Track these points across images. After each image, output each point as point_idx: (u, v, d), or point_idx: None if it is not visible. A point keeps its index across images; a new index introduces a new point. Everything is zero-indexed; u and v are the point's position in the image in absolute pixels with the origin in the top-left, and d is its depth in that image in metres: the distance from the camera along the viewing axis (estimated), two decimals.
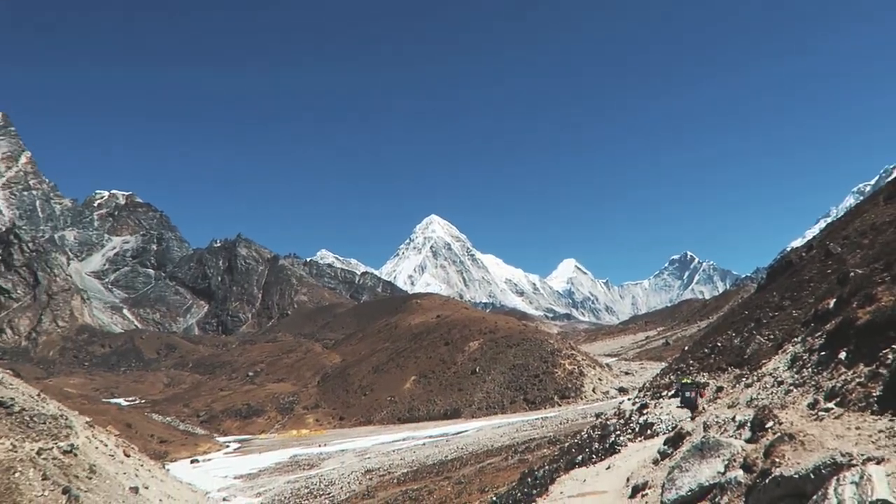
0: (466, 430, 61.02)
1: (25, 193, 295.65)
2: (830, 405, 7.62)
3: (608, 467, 15.49)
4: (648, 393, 27.97)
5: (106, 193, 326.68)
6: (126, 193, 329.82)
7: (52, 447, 32.07)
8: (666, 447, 12.27)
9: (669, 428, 17.02)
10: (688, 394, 18.43)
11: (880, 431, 6.53)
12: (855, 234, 26.60)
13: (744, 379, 15.66)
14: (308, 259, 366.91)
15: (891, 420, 6.55)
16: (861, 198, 37.14)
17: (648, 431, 18.27)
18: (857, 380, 7.74)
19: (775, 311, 26.91)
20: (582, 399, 72.69)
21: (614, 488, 12.24)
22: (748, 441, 8.17)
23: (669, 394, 22.61)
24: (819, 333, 11.81)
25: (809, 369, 10.30)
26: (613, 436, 20.24)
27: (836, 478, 5.35)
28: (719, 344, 31.51)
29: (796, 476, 5.89)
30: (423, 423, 74.64)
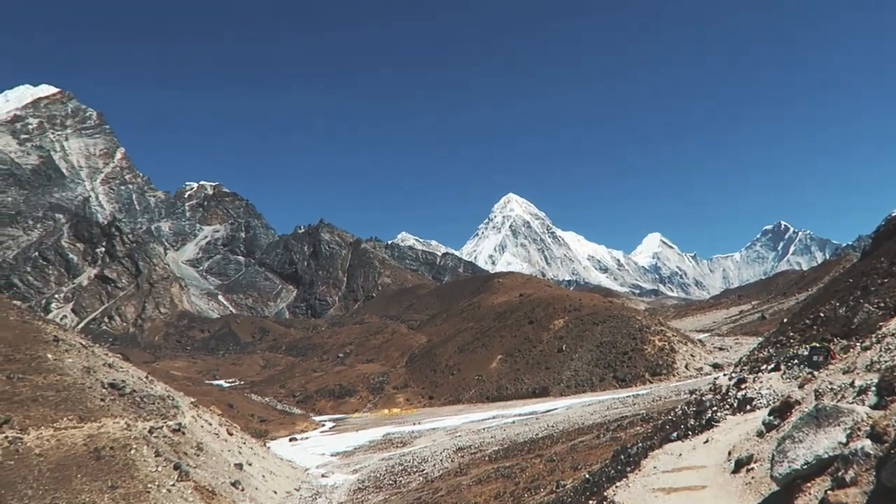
0: (556, 409, 60.63)
1: (123, 188, 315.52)
2: None
3: (706, 441, 14.32)
4: (746, 367, 26.81)
5: (195, 185, 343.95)
6: (213, 184, 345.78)
7: (162, 426, 34.22)
8: (772, 418, 11.22)
9: (771, 402, 16.24)
10: (816, 357, 17.29)
11: None
12: None
13: (859, 343, 14.07)
14: (389, 242, 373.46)
15: None
16: None
17: (748, 407, 17.39)
18: None
19: (884, 277, 25.04)
20: (674, 376, 70.71)
21: (714, 463, 11.40)
22: (874, 407, 7.28)
23: (770, 367, 21.54)
24: None
25: None
26: (710, 412, 19.46)
27: None
28: (822, 315, 29.73)
29: None
30: (512, 402, 74.74)
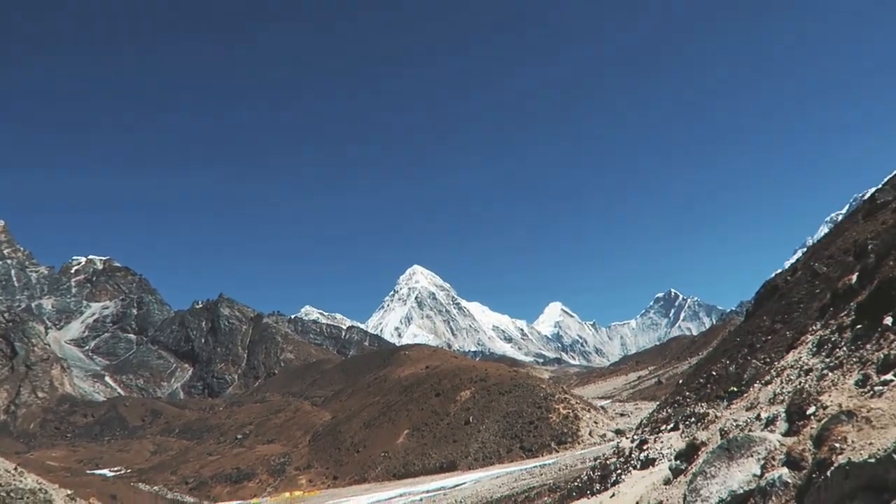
0: (464, 483, 59.73)
1: (0, 263, 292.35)
2: (888, 377, 6.46)
3: (612, 495, 14.45)
4: (647, 428, 27.65)
5: (83, 259, 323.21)
6: (103, 258, 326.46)
7: None
8: (679, 462, 10.92)
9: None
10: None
11: None
12: (838, 252, 27.11)
13: (757, 380, 14.31)
14: (292, 316, 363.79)
15: None
16: (833, 226, 37.91)
17: (651, 467, 17.84)
18: None
19: (767, 334, 27.09)
20: (579, 443, 71.68)
21: None
22: (785, 434, 7.00)
23: (669, 427, 22.32)
24: (844, 312, 10.36)
25: (844, 348, 8.79)
26: (615, 475, 19.80)
27: None
28: (714, 373, 31.44)
29: (873, 461, 4.61)
30: (420, 478, 72.98)
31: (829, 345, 9.62)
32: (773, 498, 5.88)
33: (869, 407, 5.49)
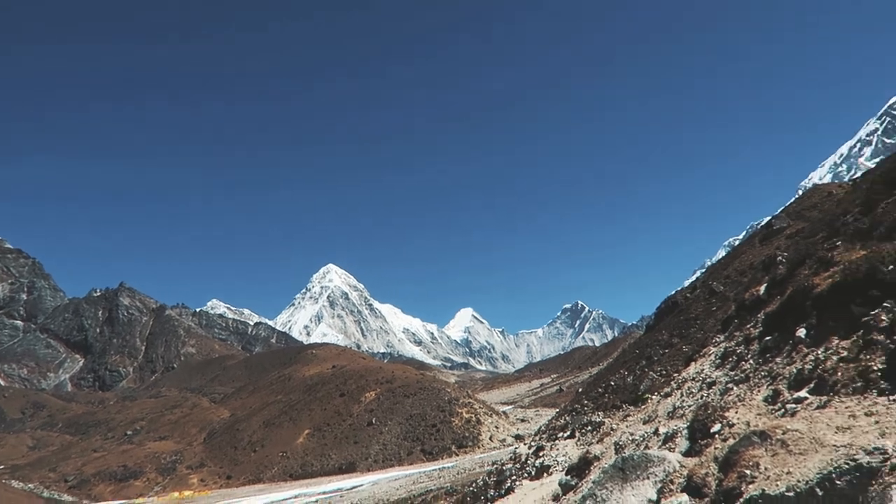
0: (362, 485, 58.79)
1: None
2: (802, 393, 5.73)
3: None
4: (545, 435, 27.81)
5: None
6: None
7: None
8: (569, 478, 10.06)
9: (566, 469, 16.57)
10: None
11: None
12: (735, 273, 28.36)
13: (656, 393, 13.20)
14: (198, 309, 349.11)
15: None
16: (731, 249, 39.82)
17: (545, 475, 17.75)
18: (837, 356, 5.78)
19: (665, 348, 27.88)
20: (479, 448, 72.16)
21: None
22: (686, 454, 6.20)
23: (566, 434, 22.42)
24: (751, 324, 9.32)
25: (751, 361, 7.94)
26: (510, 481, 19.67)
27: (889, 490, 3.46)
28: (612, 383, 32.11)
29: (791, 494, 3.91)
30: (317, 479, 71.39)
31: (735, 357, 8.92)
32: None
33: (784, 428, 4.75)
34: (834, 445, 4.22)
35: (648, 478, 5.82)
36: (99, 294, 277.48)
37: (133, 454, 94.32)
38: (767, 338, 7.78)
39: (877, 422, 4.42)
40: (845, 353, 5.64)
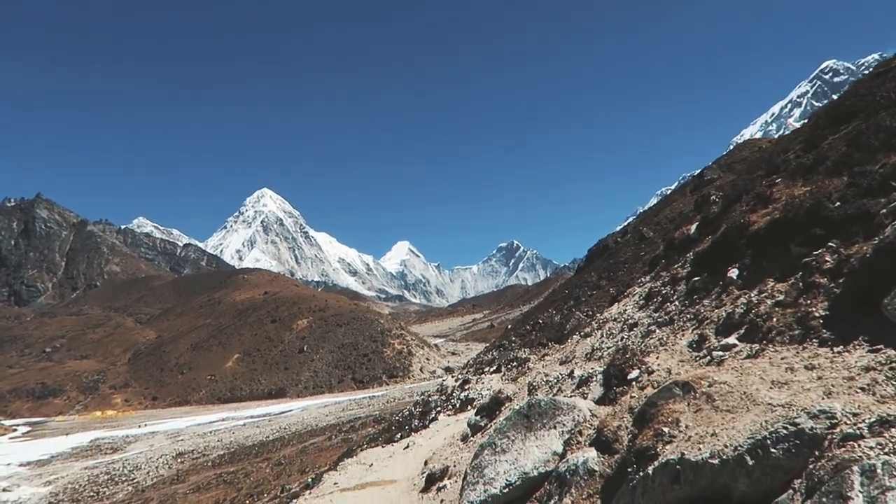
0: (291, 410, 59.27)
1: None
2: (731, 340, 5.12)
3: (406, 446, 12.87)
4: (471, 369, 28.51)
5: None
6: None
7: None
8: (479, 418, 9.56)
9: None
10: None
11: (863, 369, 3.62)
12: (665, 220, 29.25)
13: (577, 333, 12.58)
14: (123, 227, 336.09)
15: (871, 350, 3.77)
16: (663, 198, 40.96)
17: (469, 407, 18.14)
18: (773, 300, 5.15)
19: (593, 289, 28.76)
20: (410, 378, 73.65)
21: (406, 476, 9.64)
22: (599, 401, 5.64)
23: (492, 369, 23.03)
24: (679, 263, 8.71)
25: (676, 303, 7.33)
26: (434, 412, 20.08)
27: (847, 472, 2.66)
28: (540, 321, 33.05)
29: (716, 462, 3.27)
30: (246, 403, 71.51)
31: (660, 298, 8.33)
32: (573, 490, 4.45)
33: (711, 379, 4.10)
34: (769, 404, 3.54)
35: (555, 427, 5.24)
36: (13, 204, 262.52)
37: (52, 372, 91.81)
38: (696, 278, 7.31)
39: (819, 377, 3.72)
40: (782, 297, 5.07)
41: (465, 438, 9.38)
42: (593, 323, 11.67)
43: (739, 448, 3.22)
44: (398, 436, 19.73)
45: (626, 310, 9.75)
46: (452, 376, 35.10)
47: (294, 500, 11.41)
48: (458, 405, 19.12)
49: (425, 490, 7.83)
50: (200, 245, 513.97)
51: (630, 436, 4.39)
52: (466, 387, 21.40)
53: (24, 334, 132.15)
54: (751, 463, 3.14)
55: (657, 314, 7.78)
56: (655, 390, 4.52)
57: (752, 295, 5.63)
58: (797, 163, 7.21)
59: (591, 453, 4.56)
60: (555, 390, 7.81)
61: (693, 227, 9.45)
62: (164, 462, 40.44)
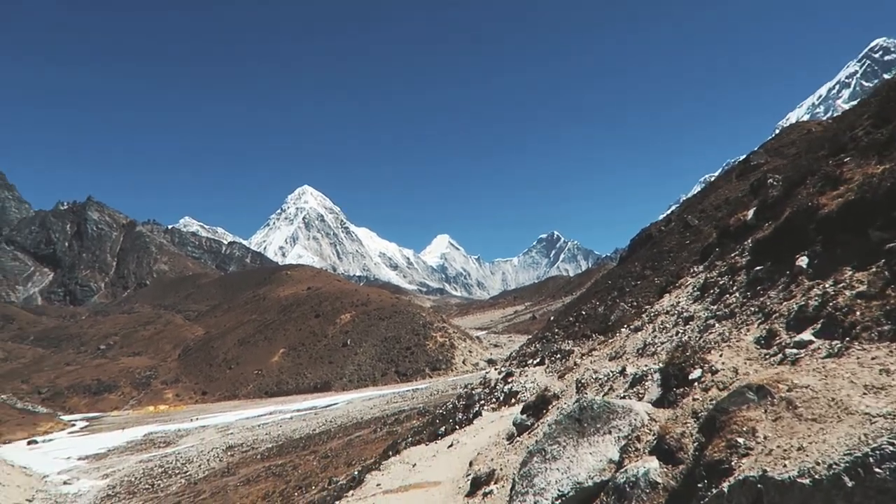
0: (336, 403, 59.99)
1: None
2: (806, 336, 4.59)
3: (450, 445, 12.33)
4: (514, 362, 28.29)
5: None
6: None
7: None
8: (524, 417, 9.08)
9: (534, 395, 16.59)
10: None
11: None
12: (710, 207, 28.36)
13: (625, 326, 11.84)
14: (170, 226, 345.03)
15: None
16: (707, 185, 39.83)
17: (513, 400, 17.80)
18: (852, 291, 4.56)
19: (637, 279, 28.16)
20: (452, 371, 73.76)
21: (450, 478, 9.21)
22: (657, 403, 5.12)
23: (535, 361, 22.72)
24: (737, 252, 7.93)
25: (737, 294, 6.70)
26: (478, 405, 19.90)
27: None
28: (584, 312, 32.58)
29: (807, 481, 2.80)
30: (292, 397, 72.71)
31: (717, 289, 7.69)
32: (633, 502, 4.02)
33: (790, 382, 3.61)
34: (866, 414, 3.00)
35: (610, 432, 4.79)
36: (66, 207, 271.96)
37: (107, 368, 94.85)
38: (758, 268, 6.61)
39: None
40: (864, 288, 4.48)
41: (510, 438, 9.00)
42: (643, 316, 10.92)
43: (835, 466, 2.74)
44: (442, 429, 19.63)
45: (679, 302, 9.10)
46: (495, 369, 34.93)
47: (337, 502, 11.05)
48: (501, 398, 18.93)
49: (471, 494, 7.43)
50: (245, 243, 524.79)
51: (696, 444, 3.93)
52: (510, 380, 21.17)
53: (80, 332, 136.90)
54: (850, 485, 2.62)
55: (715, 307, 7.19)
56: (724, 393, 4.14)
57: (827, 285, 5.07)
58: (869, 139, 6.53)
59: (653, 463, 4.07)
60: (605, 389, 7.37)
61: (750, 213, 8.73)
62: (215, 455, 41.35)
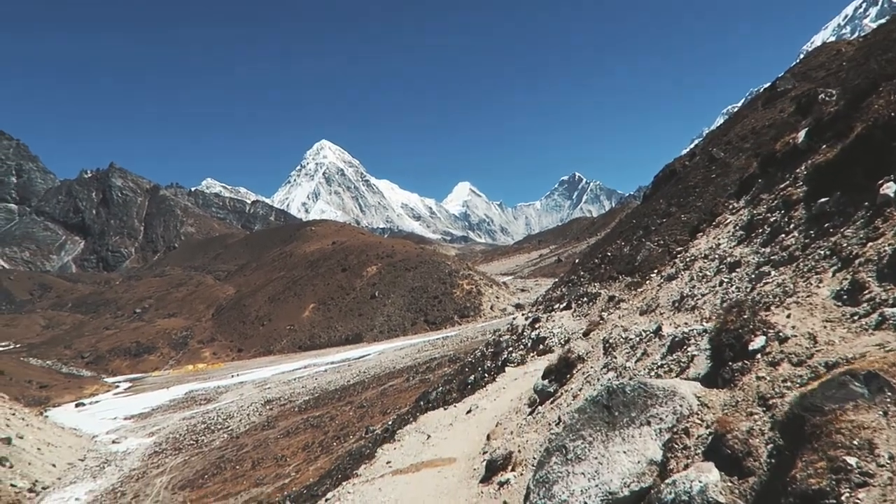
0: (368, 354, 60.94)
1: None
2: None
3: (469, 410, 11.19)
4: (541, 307, 28.08)
5: None
6: None
7: None
8: (546, 382, 7.97)
9: (562, 341, 16.32)
10: None
11: None
12: (736, 138, 27.31)
13: (654, 272, 10.07)
14: (193, 189, 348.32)
15: None
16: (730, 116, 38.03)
17: (541, 346, 17.46)
18: None
19: (663, 217, 27.53)
20: (481, 317, 74.25)
21: (466, 453, 8.26)
22: (707, 382, 3.94)
23: (562, 306, 22.48)
24: (787, 181, 6.61)
25: (796, 234, 5.50)
26: (506, 352, 19.78)
27: None
28: (609, 253, 32.13)
29: None
30: (325, 350, 74.05)
31: (768, 228, 6.39)
32: None
33: None
34: None
35: (649, 423, 3.65)
36: (90, 175, 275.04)
37: (144, 331, 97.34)
38: (823, 199, 5.35)
39: None
40: None
41: (532, 405, 8.14)
42: (676, 261, 9.26)
43: None
44: (472, 378, 19.64)
45: (719, 244, 7.74)
46: (522, 314, 34.85)
47: (345, 482, 10.16)
48: (528, 345, 18.80)
49: (485, 481, 6.72)
50: (267, 201, 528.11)
51: (772, 449, 2.85)
52: (537, 325, 21.00)
53: (115, 297, 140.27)
54: None
55: (768, 249, 5.94)
56: (800, 371, 3.16)
57: None
58: None
59: (712, 475, 2.98)
60: (637, 353, 6.10)
61: (801, 135, 7.24)
62: (255, 409, 42.42)
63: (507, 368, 15.31)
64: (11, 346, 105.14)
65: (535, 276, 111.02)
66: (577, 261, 48.07)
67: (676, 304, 7.29)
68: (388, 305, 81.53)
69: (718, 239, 8.09)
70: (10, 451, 31.60)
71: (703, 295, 6.72)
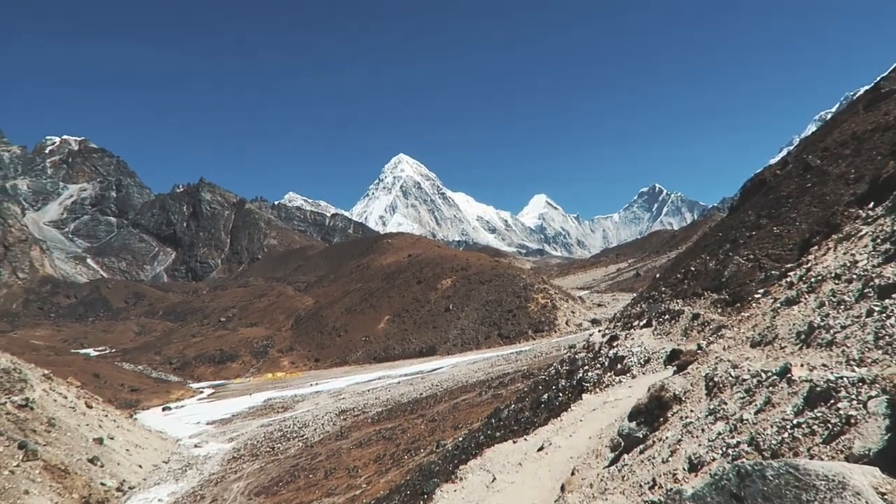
0: (441, 367, 60.89)
1: None
2: None
3: (541, 447, 10.13)
4: (619, 323, 27.06)
5: (57, 139, 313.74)
6: (78, 139, 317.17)
7: (6, 402, 30.72)
8: (633, 425, 6.90)
9: (642, 361, 15.59)
10: None
11: None
12: (835, 145, 25.43)
13: (766, 292, 8.65)
14: (276, 202, 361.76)
15: None
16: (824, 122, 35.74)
17: (618, 366, 16.56)
18: None
19: (752, 230, 26.01)
20: (556, 332, 72.95)
21: None
22: (887, 464, 2.68)
23: (641, 323, 21.55)
24: None
25: None
26: (581, 371, 19.00)
27: None
28: (693, 268, 30.71)
29: None
30: (399, 362, 74.57)
31: None
32: None
33: None
34: None
35: None
36: (182, 190, 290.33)
37: (228, 339, 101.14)
38: None
39: None
40: None
41: (615, 450, 7.17)
42: (793, 280, 7.94)
43: None
44: (545, 397, 18.94)
45: (856, 261, 6.54)
46: (599, 330, 33.83)
47: None
48: (606, 364, 17.98)
49: None
50: (346, 214, 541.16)
51: None
52: (615, 343, 20.13)
53: (202, 306, 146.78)
54: None
55: None
56: None
57: None
58: None
59: None
60: (757, 401, 4.82)
61: None
62: (329, 419, 43.00)
63: (583, 396, 14.24)
64: (108, 351, 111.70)
65: (612, 291, 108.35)
66: (657, 275, 46.47)
67: (804, 338, 5.91)
68: (461, 318, 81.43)
69: (852, 255, 6.84)
70: (101, 451, 33.22)
71: (842, 327, 5.43)
